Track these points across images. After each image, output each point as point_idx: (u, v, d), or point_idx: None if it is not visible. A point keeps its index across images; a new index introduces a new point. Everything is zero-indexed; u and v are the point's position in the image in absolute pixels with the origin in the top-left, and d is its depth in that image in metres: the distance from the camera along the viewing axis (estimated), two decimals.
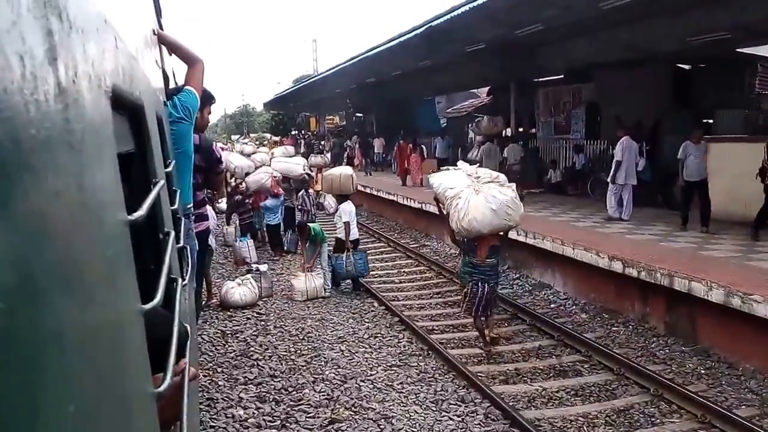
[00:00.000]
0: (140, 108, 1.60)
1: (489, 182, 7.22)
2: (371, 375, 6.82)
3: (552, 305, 9.22)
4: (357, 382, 6.64)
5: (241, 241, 13.35)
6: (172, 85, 4.77)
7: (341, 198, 11.33)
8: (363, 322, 8.72)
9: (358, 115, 38.77)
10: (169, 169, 2.46)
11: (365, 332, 8.28)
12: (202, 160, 4.89)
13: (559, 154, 16.72)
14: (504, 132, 17.84)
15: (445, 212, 7.39)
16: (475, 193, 6.95)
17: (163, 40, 3.67)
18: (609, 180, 11.34)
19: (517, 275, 10.73)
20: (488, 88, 22.51)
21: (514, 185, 7.43)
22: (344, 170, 12.28)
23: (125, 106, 1.36)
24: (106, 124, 0.96)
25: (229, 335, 8.48)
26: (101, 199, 0.85)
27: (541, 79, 18.07)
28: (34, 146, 0.56)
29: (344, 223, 10.40)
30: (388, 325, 8.56)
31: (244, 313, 9.45)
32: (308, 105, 41.62)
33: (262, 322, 8.95)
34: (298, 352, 7.67)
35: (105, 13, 1.10)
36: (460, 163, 9.29)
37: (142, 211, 1.16)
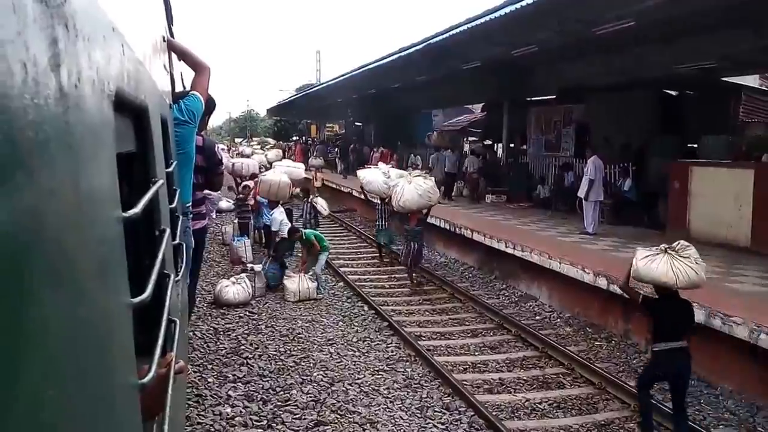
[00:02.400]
0: (144, 110, 1.61)
1: (418, 176, 10.55)
2: (359, 379, 6.63)
3: (537, 317, 9.06)
4: (344, 385, 6.45)
5: (238, 240, 13.12)
6: (179, 88, 4.77)
7: (273, 204, 11.06)
8: (353, 326, 8.53)
9: (357, 124, 38.65)
10: (170, 169, 2.44)
11: (354, 335, 8.09)
12: (205, 161, 4.84)
13: (548, 170, 16.60)
14: (495, 145, 18.18)
15: (370, 198, 11.95)
16: (408, 183, 10.14)
17: (172, 48, 3.69)
18: (583, 197, 11.25)
19: (504, 286, 10.58)
20: (483, 104, 22.42)
21: (433, 179, 11.02)
22: (283, 177, 11.51)
23: (129, 109, 1.38)
24: (106, 126, 0.97)
25: (221, 333, 8.28)
26: (97, 197, 0.86)
27: (533, 99, 18.00)
28: (31, 147, 0.57)
29: (273, 232, 10.40)
30: (377, 329, 8.38)
31: (236, 311, 9.25)
32: (310, 112, 41.52)
33: (254, 321, 8.76)
34: (288, 352, 7.48)
35: (114, 22, 1.12)
36: (380, 164, 13.30)
37: (137, 209, 1.16)
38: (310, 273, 9.96)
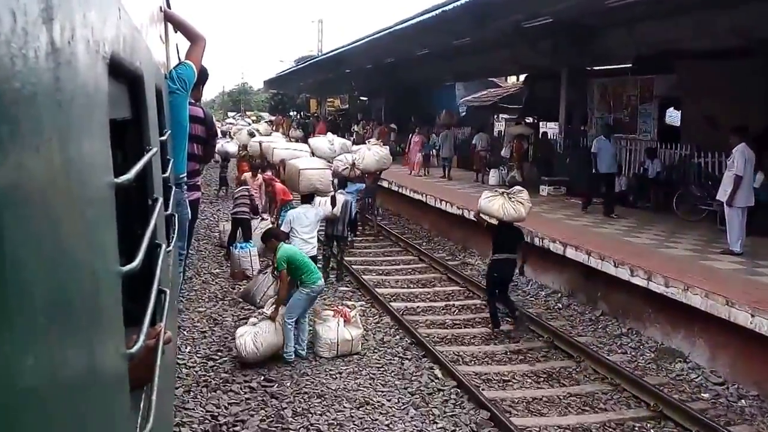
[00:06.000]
0: (140, 78, 1.58)
1: (375, 144, 12.79)
2: None
3: (703, 393, 5.86)
4: None
5: (241, 248, 9.84)
6: (174, 60, 4.41)
7: (305, 199, 8.25)
8: (431, 417, 5.29)
9: (362, 99, 34.99)
10: (163, 138, 2.34)
11: None
12: (205, 132, 4.62)
13: (621, 157, 13.28)
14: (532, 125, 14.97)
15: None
16: (367, 150, 12.12)
17: (169, 18, 3.62)
18: (725, 201, 7.94)
19: (623, 330, 7.33)
20: (525, 75, 18.87)
21: (387, 148, 13.59)
22: (309, 162, 9.41)
23: (124, 75, 1.36)
24: (100, 89, 0.95)
25: (223, 427, 5.08)
26: (87, 158, 0.83)
27: (597, 68, 14.56)
28: (17, 98, 0.54)
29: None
30: (472, 423, 5.16)
31: (245, 373, 6.05)
32: (311, 86, 37.71)
33: (274, 401, 5.54)
34: None
35: None
36: (329, 134, 14.59)
37: (129, 175, 1.14)
38: (354, 318, 6.67)
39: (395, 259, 11.30)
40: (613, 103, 13.80)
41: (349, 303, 8.26)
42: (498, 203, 7.04)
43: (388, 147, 13.94)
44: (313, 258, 7.76)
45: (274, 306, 6.32)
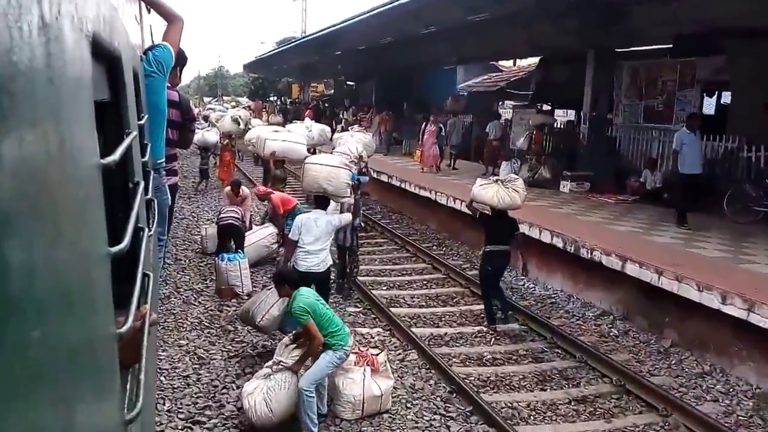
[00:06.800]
0: (118, 59, 1.55)
1: (358, 131, 12.89)
2: None
3: None
4: None
5: (229, 260, 8.38)
6: (148, 42, 4.23)
7: (321, 200, 7.18)
8: None
9: (349, 83, 33.31)
10: (141, 122, 2.37)
11: None
12: (181, 116, 4.61)
13: (651, 149, 11.92)
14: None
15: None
16: (350, 137, 11.53)
17: None
18: None
19: (704, 367, 6.07)
20: (539, 58, 17.39)
21: (371, 134, 14.25)
22: (323, 159, 7.96)
23: (104, 55, 1.32)
24: (85, 68, 0.92)
25: None
26: (76, 139, 0.81)
27: (627, 49, 13.13)
28: (14, 73, 0.53)
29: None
30: None
31: None
32: (294, 70, 35.93)
33: None
34: None
35: None
36: (306, 120, 14.75)
37: (114, 157, 1.13)
38: (383, 371, 5.29)
39: (406, 268, 9.95)
40: (645, 89, 12.49)
41: (364, 331, 6.97)
42: (492, 190, 6.94)
43: (371, 134, 13.62)
44: (322, 275, 6.44)
45: (298, 358, 4.87)
